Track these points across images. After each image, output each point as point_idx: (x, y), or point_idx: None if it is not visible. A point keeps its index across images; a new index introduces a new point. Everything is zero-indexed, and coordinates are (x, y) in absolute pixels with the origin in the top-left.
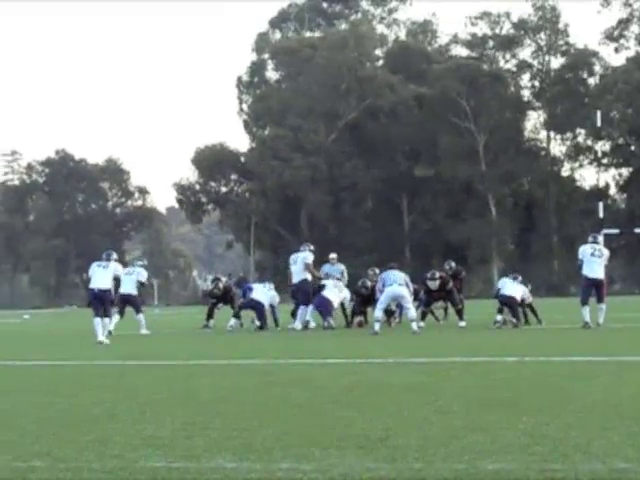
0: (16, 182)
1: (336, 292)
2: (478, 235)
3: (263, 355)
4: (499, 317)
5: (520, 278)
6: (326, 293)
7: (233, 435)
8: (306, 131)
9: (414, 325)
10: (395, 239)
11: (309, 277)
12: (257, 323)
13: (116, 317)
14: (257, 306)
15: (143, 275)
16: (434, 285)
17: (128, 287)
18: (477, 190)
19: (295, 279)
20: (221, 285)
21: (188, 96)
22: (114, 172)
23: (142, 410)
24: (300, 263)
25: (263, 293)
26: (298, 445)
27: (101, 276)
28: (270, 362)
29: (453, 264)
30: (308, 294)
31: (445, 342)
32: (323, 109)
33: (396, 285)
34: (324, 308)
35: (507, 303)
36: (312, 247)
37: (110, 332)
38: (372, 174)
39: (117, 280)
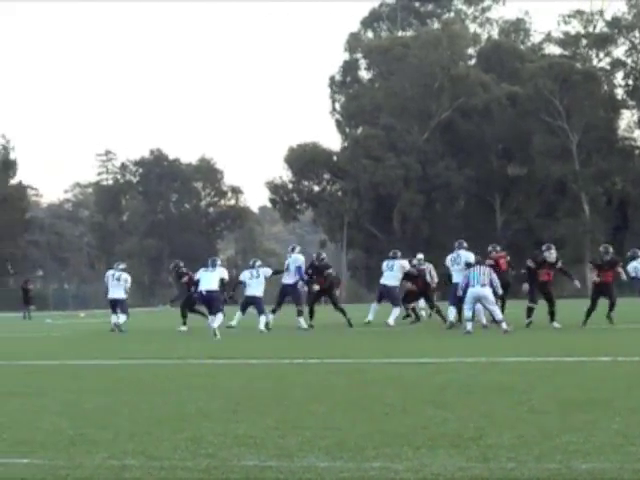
0: (110, 182)
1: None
2: (571, 234)
3: (356, 354)
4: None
5: None
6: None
7: (326, 434)
8: (399, 130)
9: (504, 325)
10: (487, 238)
11: (398, 283)
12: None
13: (238, 314)
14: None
15: (267, 272)
16: (551, 256)
17: (254, 289)
18: (570, 189)
19: (388, 282)
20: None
21: (281, 95)
22: (207, 171)
23: (234, 409)
24: (397, 270)
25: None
26: (390, 444)
27: (208, 279)
28: (363, 361)
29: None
30: (397, 297)
31: (538, 342)
32: (415, 108)
33: (478, 286)
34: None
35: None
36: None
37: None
38: (464, 173)
39: (222, 282)
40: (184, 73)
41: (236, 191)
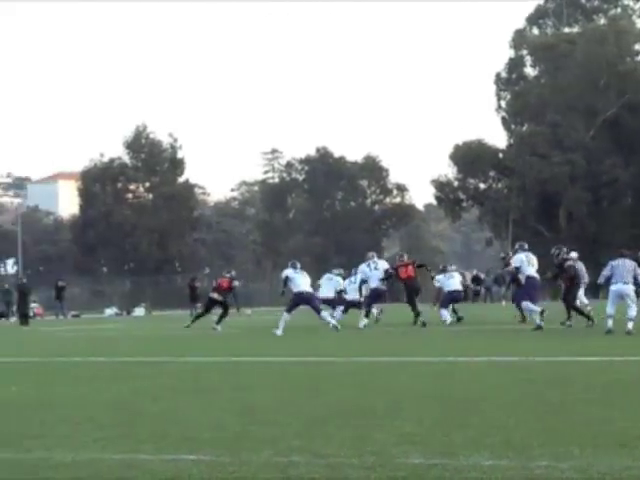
0: (276, 180)
1: None
2: None
3: (519, 352)
4: None
5: None
6: None
7: (491, 432)
8: (565, 127)
9: (630, 325)
10: None
11: None
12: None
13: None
14: None
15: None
16: None
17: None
18: None
19: (458, 288)
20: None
21: (446, 93)
22: (373, 169)
23: (399, 407)
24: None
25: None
26: (556, 443)
27: (302, 280)
28: (527, 359)
29: None
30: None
31: None
32: (582, 105)
33: (620, 284)
34: None
35: None
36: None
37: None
38: (631, 170)
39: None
40: (351, 72)
41: (401, 189)
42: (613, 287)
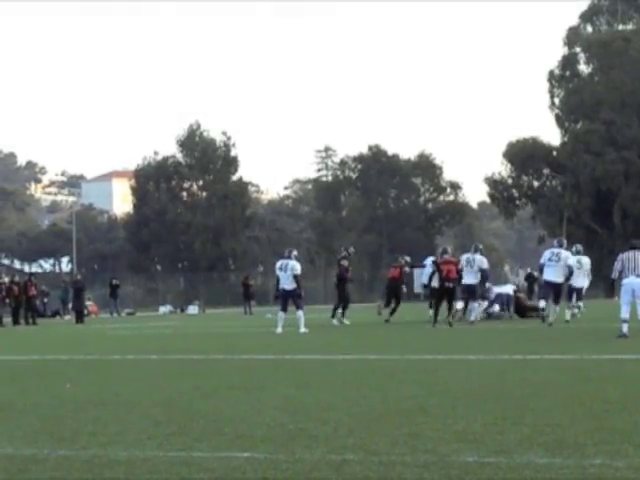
0: (329, 178)
1: None
2: None
3: (575, 350)
4: None
5: None
6: None
7: (545, 431)
8: (619, 125)
9: None
10: None
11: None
12: None
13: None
14: None
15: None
16: None
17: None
18: None
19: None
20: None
21: (500, 90)
22: (426, 167)
23: (453, 405)
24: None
25: None
26: (611, 441)
27: (285, 280)
28: (582, 357)
29: None
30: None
31: None
32: (636, 102)
33: (633, 277)
34: None
35: None
36: None
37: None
38: None
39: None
40: (405, 70)
41: (455, 186)
42: (625, 280)
